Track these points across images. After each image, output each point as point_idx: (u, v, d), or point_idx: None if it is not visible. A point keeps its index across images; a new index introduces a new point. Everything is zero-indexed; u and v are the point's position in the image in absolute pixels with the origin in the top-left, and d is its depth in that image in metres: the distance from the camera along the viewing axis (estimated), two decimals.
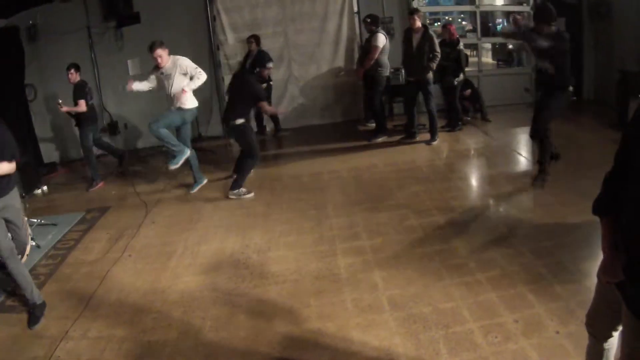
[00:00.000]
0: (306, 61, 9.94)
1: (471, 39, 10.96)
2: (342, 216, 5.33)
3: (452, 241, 4.50)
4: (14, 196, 3.99)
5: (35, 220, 6.06)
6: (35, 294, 4.03)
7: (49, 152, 9.87)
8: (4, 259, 3.87)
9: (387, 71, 8.28)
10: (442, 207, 5.31)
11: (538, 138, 5.52)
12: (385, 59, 8.12)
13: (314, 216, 5.40)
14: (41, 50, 9.48)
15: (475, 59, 10.59)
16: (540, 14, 5.07)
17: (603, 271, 1.93)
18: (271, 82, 9.08)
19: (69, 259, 5.17)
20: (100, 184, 7.59)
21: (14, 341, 3.77)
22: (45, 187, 7.98)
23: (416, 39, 7.49)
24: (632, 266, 1.71)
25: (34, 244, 5.42)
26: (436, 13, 11.79)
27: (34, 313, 4.00)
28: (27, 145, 8.26)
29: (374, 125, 8.89)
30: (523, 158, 6.85)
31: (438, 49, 7.38)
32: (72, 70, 7.19)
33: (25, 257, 4.91)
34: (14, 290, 4.39)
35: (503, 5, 11.64)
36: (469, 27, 12.57)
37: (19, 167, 3.96)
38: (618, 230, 1.82)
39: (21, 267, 4.00)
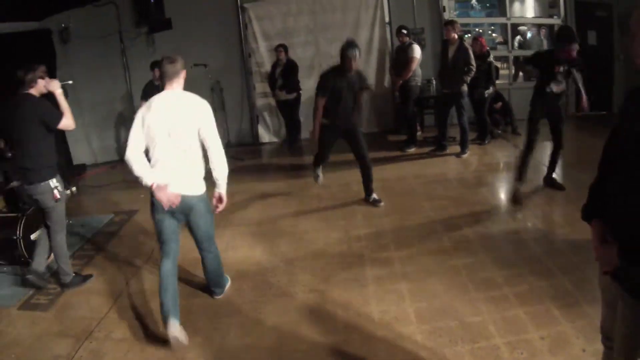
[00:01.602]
0: None
1: (502, 51, 10.85)
2: (370, 227, 5.30)
3: (480, 255, 4.44)
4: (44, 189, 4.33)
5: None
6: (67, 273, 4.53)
7: (79, 154, 10.03)
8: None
9: (420, 81, 8.34)
10: (471, 220, 5.24)
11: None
12: (418, 70, 8.20)
13: (342, 226, 5.38)
14: (73, 53, 9.66)
15: (506, 72, 10.48)
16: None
17: (600, 262, 2.03)
18: (301, 91, 9.11)
19: (95, 260, 5.26)
20: None
21: (38, 339, 3.83)
22: (74, 188, 8.11)
23: (452, 50, 7.46)
24: (624, 250, 1.81)
25: None
26: (467, 25, 11.69)
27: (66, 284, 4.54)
28: (57, 146, 8.37)
29: (405, 135, 8.86)
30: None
31: (473, 62, 7.32)
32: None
33: (51, 257, 5.03)
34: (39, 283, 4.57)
35: (534, 17, 11.50)
36: (500, 39, 12.43)
37: None
38: (606, 225, 1.98)
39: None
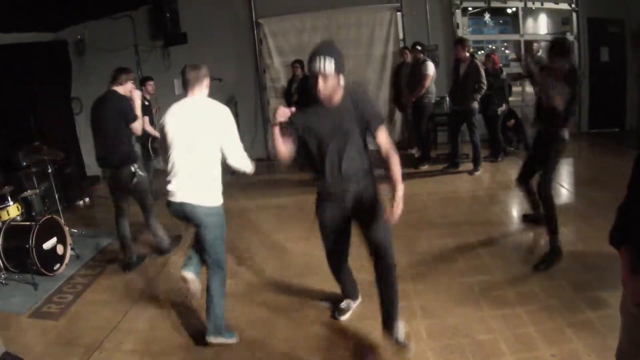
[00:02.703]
0: None
1: (515, 68, 10.86)
2: None
3: (492, 272, 4.42)
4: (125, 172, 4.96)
5: (76, 231, 6.18)
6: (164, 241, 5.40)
7: (93, 165, 10.08)
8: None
9: (433, 98, 8.36)
10: (483, 237, 5.21)
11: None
12: (432, 86, 8.22)
13: (355, 242, 5.29)
14: (88, 65, 9.77)
15: (519, 89, 10.47)
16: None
17: (631, 295, 1.89)
18: None
19: (107, 271, 5.28)
20: None
21: (47, 347, 3.85)
22: (87, 199, 8.17)
23: (463, 68, 7.48)
24: None
25: (73, 253, 5.54)
26: (480, 41, 11.72)
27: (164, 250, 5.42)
28: (71, 156, 8.47)
29: (417, 152, 8.91)
30: (565, 190, 6.69)
31: (484, 80, 7.32)
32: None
33: (63, 267, 5.08)
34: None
35: (547, 34, 11.52)
36: (513, 55, 12.43)
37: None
38: (637, 254, 1.80)
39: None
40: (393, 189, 3.05)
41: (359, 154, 3.20)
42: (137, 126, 5.03)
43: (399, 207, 3.03)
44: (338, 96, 3.02)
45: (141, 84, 7.60)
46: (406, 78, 8.71)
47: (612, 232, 1.96)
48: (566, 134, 4.53)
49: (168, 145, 3.50)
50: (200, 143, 3.43)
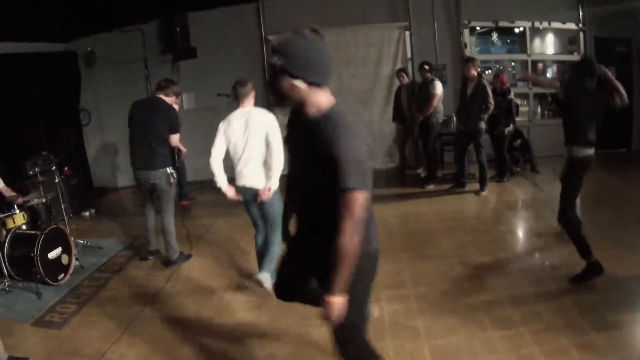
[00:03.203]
0: (359, 105, 9.95)
1: (522, 88, 10.88)
2: (387, 263, 5.20)
3: (496, 293, 4.39)
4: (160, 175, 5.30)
5: (81, 242, 6.20)
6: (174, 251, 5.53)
7: (100, 177, 10.14)
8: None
9: (441, 117, 8.37)
10: (489, 258, 5.18)
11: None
12: (440, 106, 8.23)
13: None
14: (98, 77, 9.89)
15: (526, 109, 10.50)
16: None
17: None
18: None
19: (111, 283, 5.29)
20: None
21: (50, 356, 3.85)
22: (93, 210, 8.20)
23: (471, 88, 7.49)
24: None
25: (78, 264, 5.55)
26: (488, 61, 11.77)
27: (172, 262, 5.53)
28: (78, 167, 8.52)
29: (423, 171, 8.91)
30: None
31: (491, 100, 7.32)
32: None
33: (68, 277, 5.11)
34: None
35: (554, 54, 11.56)
36: (519, 75, 12.45)
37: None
38: None
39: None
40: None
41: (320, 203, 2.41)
42: (176, 138, 5.44)
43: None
44: (311, 109, 2.33)
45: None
46: (406, 100, 8.82)
47: None
48: (583, 151, 4.66)
49: (233, 146, 4.40)
50: (256, 142, 4.33)
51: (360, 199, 2.15)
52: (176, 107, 5.58)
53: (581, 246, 4.44)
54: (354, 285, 2.35)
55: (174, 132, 5.38)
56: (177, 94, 5.60)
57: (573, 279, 4.42)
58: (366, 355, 2.65)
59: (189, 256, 5.76)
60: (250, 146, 4.34)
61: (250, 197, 4.44)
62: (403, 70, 8.97)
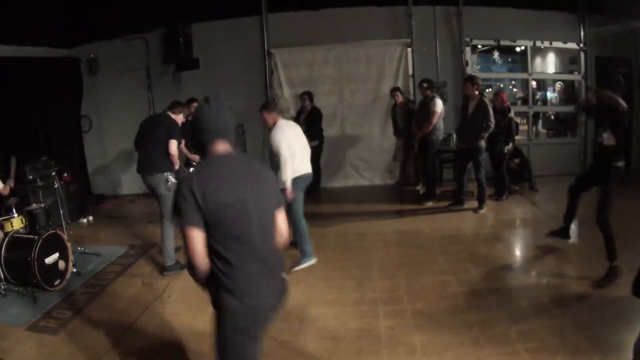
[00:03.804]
0: (359, 121, 10.03)
1: (522, 107, 10.95)
2: (385, 278, 5.25)
3: (493, 310, 4.38)
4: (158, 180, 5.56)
5: (79, 248, 6.19)
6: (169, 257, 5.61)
7: (99, 184, 10.13)
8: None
9: (441, 135, 8.37)
10: (486, 275, 5.19)
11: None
12: (440, 123, 8.22)
13: (357, 276, 5.33)
14: (100, 84, 9.91)
15: (525, 127, 10.55)
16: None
17: None
18: (323, 139, 9.18)
19: (108, 290, 5.29)
20: None
21: None
22: (91, 217, 8.20)
23: (472, 106, 7.51)
24: None
25: (74, 270, 5.54)
26: (488, 79, 11.84)
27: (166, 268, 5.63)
28: (77, 174, 8.52)
29: (422, 188, 8.92)
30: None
31: (492, 118, 7.33)
32: None
33: (64, 282, 5.10)
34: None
35: (555, 73, 11.65)
36: (521, 94, 12.53)
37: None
38: None
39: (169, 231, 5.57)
40: None
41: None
42: (174, 147, 5.63)
43: None
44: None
45: (187, 104, 7.73)
46: (401, 118, 8.90)
47: (635, 283, 1.94)
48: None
49: (292, 149, 5.36)
50: (304, 143, 5.65)
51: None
52: (180, 118, 5.86)
53: (613, 249, 4.79)
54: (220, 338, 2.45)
55: (172, 138, 5.58)
56: (185, 112, 6.04)
57: (598, 283, 4.64)
58: None
59: (185, 266, 5.63)
60: (303, 145, 5.61)
61: (308, 181, 5.71)
62: (397, 89, 9.02)
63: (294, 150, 5.38)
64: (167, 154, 5.56)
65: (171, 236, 5.57)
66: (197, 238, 2.28)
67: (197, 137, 2.52)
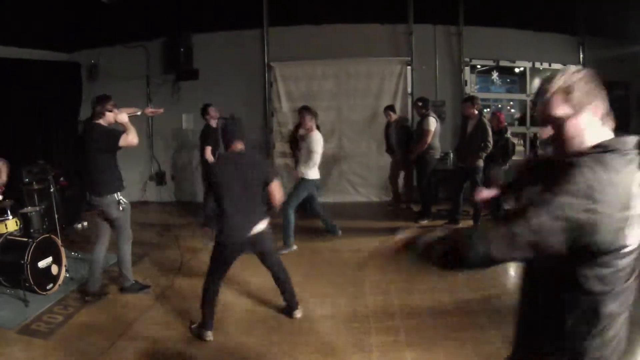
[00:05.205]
0: (357, 137, 10.02)
1: (519, 127, 10.99)
2: (378, 295, 5.24)
3: (486, 329, 4.38)
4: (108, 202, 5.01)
5: (73, 253, 6.17)
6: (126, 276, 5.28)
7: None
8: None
9: (437, 154, 8.35)
10: (480, 294, 5.19)
11: None
12: (436, 142, 8.21)
13: (351, 292, 5.32)
14: (99, 90, 9.72)
15: (521, 148, 10.57)
16: None
17: None
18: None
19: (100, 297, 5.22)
20: None
21: None
22: (85, 223, 8.15)
23: (471, 126, 7.56)
24: None
25: (67, 275, 5.51)
26: (486, 99, 11.89)
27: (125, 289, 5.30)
28: (72, 179, 8.49)
29: (417, 206, 8.91)
30: None
31: (490, 139, 7.37)
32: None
33: (56, 287, 5.08)
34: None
35: None
36: (518, 115, 12.58)
37: None
38: None
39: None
40: None
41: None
42: (128, 139, 4.99)
43: None
44: None
45: (203, 111, 7.93)
46: (394, 137, 8.93)
47: None
48: None
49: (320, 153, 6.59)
50: None
51: None
52: (121, 116, 5.04)
53: None
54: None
55: (116, 148, 5.02)
56: (110, 109, 5.03)
57: None
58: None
59: (144, 287, 5.37)
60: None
61: (318, 186, 7.02)
62: (390, 107, 9.04)
63: (320, 155, 6.57)
64: (111, 171, 5.07)
65: (129, 260, 5.30)
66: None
67: (225, 139, 4.50)
